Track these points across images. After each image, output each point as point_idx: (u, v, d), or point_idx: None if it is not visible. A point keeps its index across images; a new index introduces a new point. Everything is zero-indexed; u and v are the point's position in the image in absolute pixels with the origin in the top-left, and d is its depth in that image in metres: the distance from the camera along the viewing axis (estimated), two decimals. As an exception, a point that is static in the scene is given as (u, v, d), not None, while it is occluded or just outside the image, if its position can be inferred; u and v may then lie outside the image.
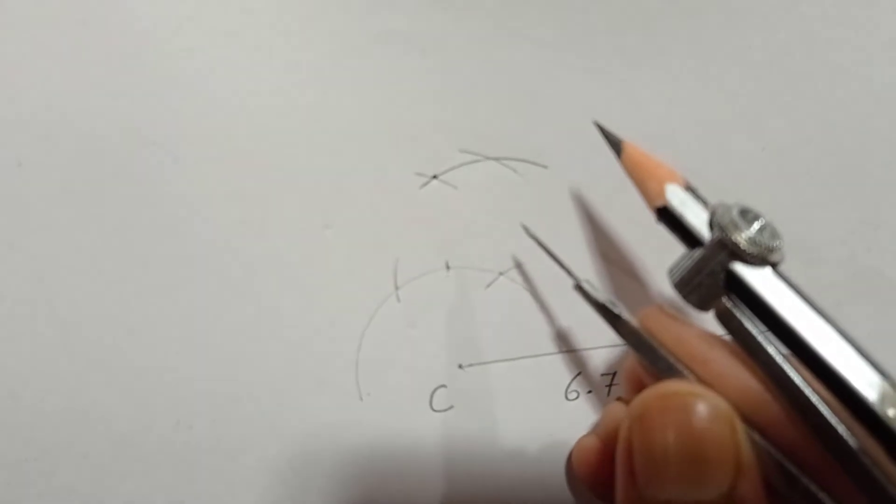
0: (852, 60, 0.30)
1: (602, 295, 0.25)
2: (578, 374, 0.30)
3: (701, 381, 0.22)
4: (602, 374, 0.31)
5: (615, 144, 0.25)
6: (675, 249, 0.24)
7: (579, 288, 0.25)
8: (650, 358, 0.23)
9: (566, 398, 0.30)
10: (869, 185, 0.31)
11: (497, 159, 0.28)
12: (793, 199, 0.31)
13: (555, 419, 0.30)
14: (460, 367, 0.29)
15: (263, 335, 0.27)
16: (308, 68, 0.27)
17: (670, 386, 0.22)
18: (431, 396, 0.29)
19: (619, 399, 0.27)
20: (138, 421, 0.26)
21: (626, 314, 0.24)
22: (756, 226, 0.21)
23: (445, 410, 0.29)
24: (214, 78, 0.26)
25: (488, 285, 0.29)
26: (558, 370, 0.30)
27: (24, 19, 0.24)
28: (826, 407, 0.20)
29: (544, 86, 0.28)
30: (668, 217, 0.23)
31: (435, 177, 0.28)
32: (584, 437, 0.28)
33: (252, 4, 0.26)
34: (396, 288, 0.28)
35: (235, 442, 0.27)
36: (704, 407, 0.20)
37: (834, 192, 0.31)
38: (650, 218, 0.26)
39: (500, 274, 0.29)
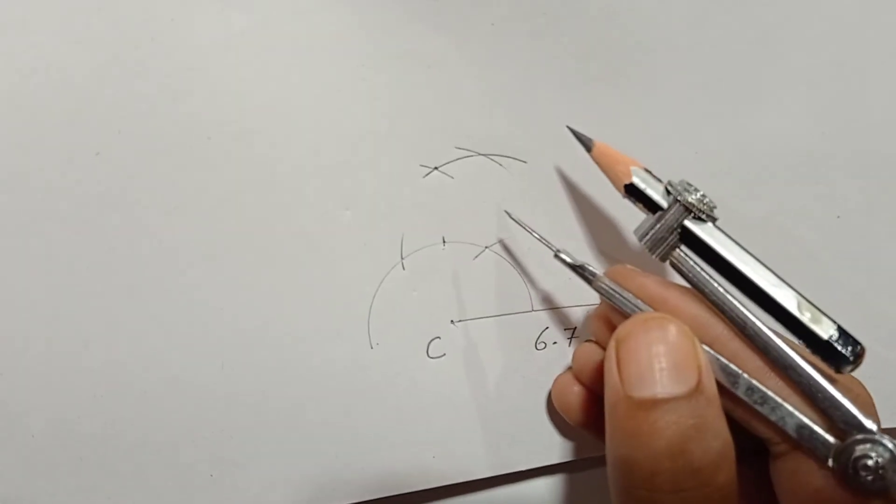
0: (764, 84, 0.31)
1: (577, 260, 0.27)
2: (546, 328, 0.32)
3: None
4: (565, 329, 0.32)
5: (586, 143, 0.27)
6: (628, 224, 0.28)
7: (557, 256, 0.27)
8: (620, 304, 0.26)
9: (535, 348, 0.32)
10: (777, 181, 0.32)
11: (486, 155, 0.30)
12: (762, 188, 0.32)
13: (527, 365, 0.32)
14: (452, 322, 0.30)
15: (293, 296, 0.28)
16: (333, 79, 0.28)
17: (648, 314, 0.25)
18: (428, 346, 0.30)
19: (588, 341, 0.30)
20: (189, 363, 0.28)
21: (598, 273, 0.27)
22: (699, 193, 0.26)
23: (439, 357, 0.30)
24: (258, 86, 0.27)
25: (476, 257, 0.30)
26: (530, 325, 0.31)
27: (103, 35, 0.26)
28: (755, 318, 0.24)
29: (526, 96, 0.30)
30: (633, 191, 0.26)
31: (435, 168, 0.30)
32: (561, 375, 0.31)
33: (291, 28, 0.27)
34: (402, 258, 0.30)
35: (266, 383, 0.28)
36: (674, 326, 0.24)
37: (797, 177, 0.32)
38: (609, 201, 0.29)
39: (486, 248, 0.31)
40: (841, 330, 0.24)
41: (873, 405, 0.25)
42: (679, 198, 0.25)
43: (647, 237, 0.26)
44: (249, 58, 0.27)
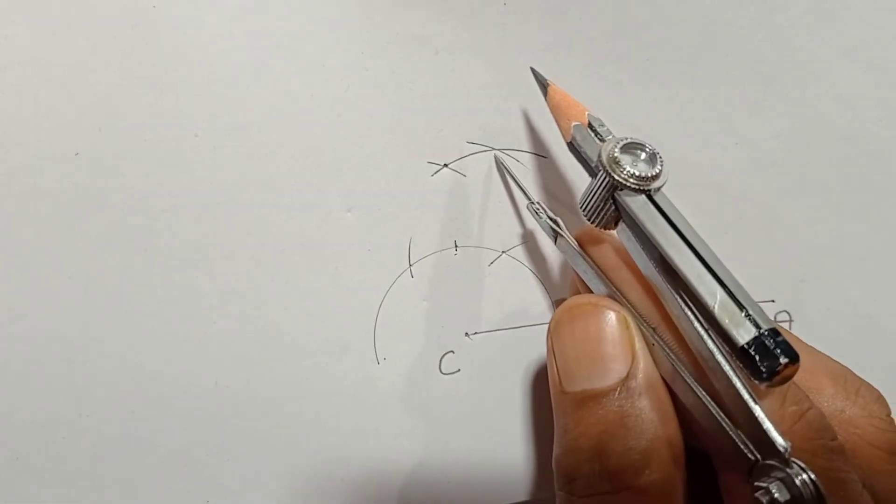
0: (814, 67, 0.31)
1: (547, 215, 0.27)
2: None
3: (615, 287, 0.24)
4: None
5: (542, 86, 0.27)
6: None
7: (530, 207, 0.27)
8: (579, 270, 0.25)
9: None
10: (827, 173, 0.32)
11: (502, 149, 0.29)
12: (762, 185, 0.32)
13: (548, 381, 0.30)
14: (467, 335, 0.30)
15: (292, 306, 0.28)
16: (333, 68, 0.27)
17: (574, 299, 0.24)
18: (441, 361, 0.30)
19: None
20: (181, 380, 0.27)
21: (565, 233, 0.26)
22: (640, 156, 0.23)
23: (453, 373, 0.30)
24: (250, 77, 0.26)
25: (492, 262, 0.30)
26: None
27: (80, 24, 0.25)
28: (686, 308, 0.22)
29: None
30: (574, 151, 0.25)
31: (445, 165, 0.29)
32: None
33: (285, 12, 0.26)
34: (410, 264, 0.29)
35: (266, 401, 0.28)
36: (602, 312, 0.23)
37: (797, 180, 0.32)
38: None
39: (503, 252, 0.30)
40: (764, 339, 0.20)
41: (822, 418, 0.22)
42: (605, 170, 0.23)
43: (582, 204, 0.24)
44: (240, 46, 0.26)
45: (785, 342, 0.20)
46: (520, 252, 0.30)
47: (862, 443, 0.22)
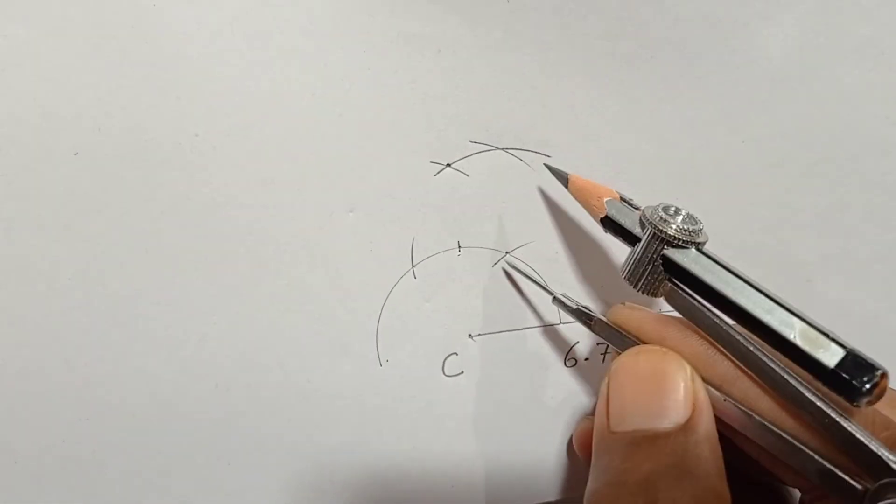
0: (823, 63, 0.31)
1: (575, 303, 0.27)
2: (576, 343, 0.31)
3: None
4: (598, 343, 0.32)
5: (562, 178, 0.28)
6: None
7: (556, 301, 0.28)
8: (620, 346, 0.25)
9: (565, 365, 0.31)
10: (835, 172, 0.32)
11: (504, 149, 0.29)
12: (769, 185, 0.32)
13: (554, 384, 0.31)
14: (470, 336, 0.30)
15: (293, 308, 0.28)
16: (334, 67, 0.27)
17: (639, 346, 0.25)
18: (444, 363, 0.30)
19: None
20: (181, 383, 0.27)
21: (597, 315, 0.27)
22: (678, 217, 0.24)
23: (456, 375, 0.30)
24: (250, 76, 0.26)
25: (495, 263, 0.30)
26: (558, 340, 0.31)
27: (79, 24, 0.25)
28: (758, 350, 0.22)
29: (547, 83, 0.29)
30: (610, 224, 0.26)
31: (448, 165, 0.29)
32: (582, 421, 0.30)
33: (284, 12, 0.26)
34: (413, 265, 0.29)
35: (267, 403, 0.28)
36: (667, 357, 0.23)
37: (804, 179, 0.32)
38: (641, 195, 0.28)
39: (507, 253, 0.30)
40: (852, 356, 0.21)
41: None
42: (654, 229, 0.24)
43: (627, 271, 0.25)
44: (241, 45, 0.26)
45: (870, 358, 0.20)
46: (523, 253, 0.30)
47: None
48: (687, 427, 0.22)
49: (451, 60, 0.28)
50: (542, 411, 0.31)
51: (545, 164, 0.28)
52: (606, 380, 0.24)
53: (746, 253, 0.32)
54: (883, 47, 0.30)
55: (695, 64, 0.30)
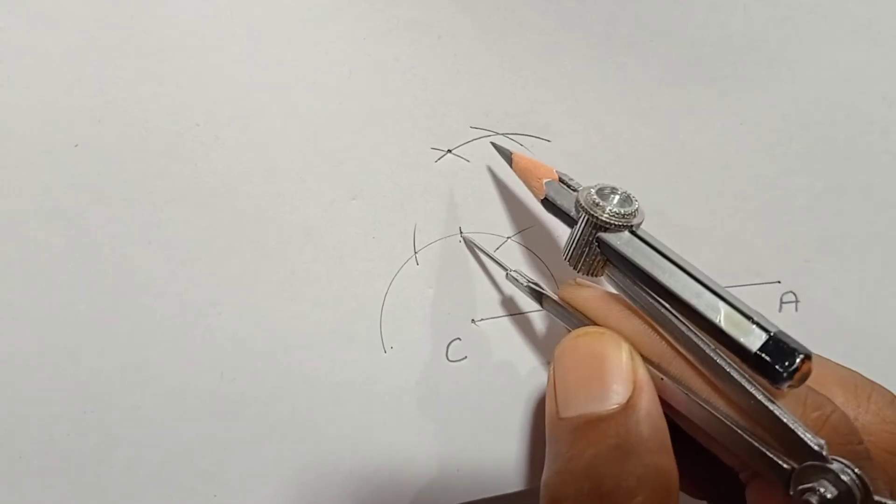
0: (821, 44, 0.31)
1: (527, 280, 0.28)
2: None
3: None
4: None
5: (506, 156, 0.28)
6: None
7: (509, 276, 0.28)
8: (569, 323, 0.26)
9: None
10: (833, 153, 0.32)
11: (505, 134, 0.29)
12: (767, 166, 0.32)
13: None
14: (473, 321, 0.30)
15: (297, 296, 0.28)
16: (335, 55, 0.27)
17: (580, 329, 0.25)
18: (447, 348, 0.30)
19: None
20: (185, 375, 0.27)
21: (547, 292, 0.27)
22: (613, 199, 0.24)
23: (460, 360, 0.30)
24: (251, 65, 0.26)
25: (497, 248, 0.30)
26: (559, 322, 0.29)
27: (77, 15, 0.24)
28: (689, 331, 0.22)
29: (547, 68, 0.29)
30: (550, 206, 0.26)
31: (449, 151, 0.29)
32: None
33: (284, 0, 0.26)
34: (415, 252, 0.29)
35: (272, 392, 0.28)
36: (606, 339, 0.23)
37: (802, 161, 0.32)
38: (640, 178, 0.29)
39: (508, 238, 0.30)
40: (775, 340, 0.21)
41: (847, 420, 0.22)
42: (587, 213, 0.24)
43: (566, 253, 0.25)
44: (241, 34, 0.26)
45: (795, 341, 0.20)
46: (525, 237, 0.30)
47: (877, 450, 0.22)
48: (628, 407, 0.22)
49: (451, 46, 0.28)
50: (544, 394, 0.30)
51: (491, 143, 0.28)
52: (552, 364, 0.24)
53: (745, 234, 0.32)
54: (880, 28, 0.31)
55: (694, 47, 0.30)
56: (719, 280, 0.23)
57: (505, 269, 0.28)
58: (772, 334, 0.21)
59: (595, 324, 0.25)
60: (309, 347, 0.28)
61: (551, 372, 0.24)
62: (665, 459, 0.22)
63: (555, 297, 0.27)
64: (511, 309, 0.30)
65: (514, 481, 0.31)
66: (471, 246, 0.29)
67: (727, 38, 0.30)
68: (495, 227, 0.30)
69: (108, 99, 0.25)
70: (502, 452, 0.31)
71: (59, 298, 0.26)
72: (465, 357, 0.30)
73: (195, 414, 0.27)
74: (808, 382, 0.21)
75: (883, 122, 0.32)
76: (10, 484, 0.26)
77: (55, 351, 0.26)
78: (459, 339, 0.30)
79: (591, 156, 0.30)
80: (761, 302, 0.32)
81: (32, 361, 0.26)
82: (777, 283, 0.33)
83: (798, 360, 0.20)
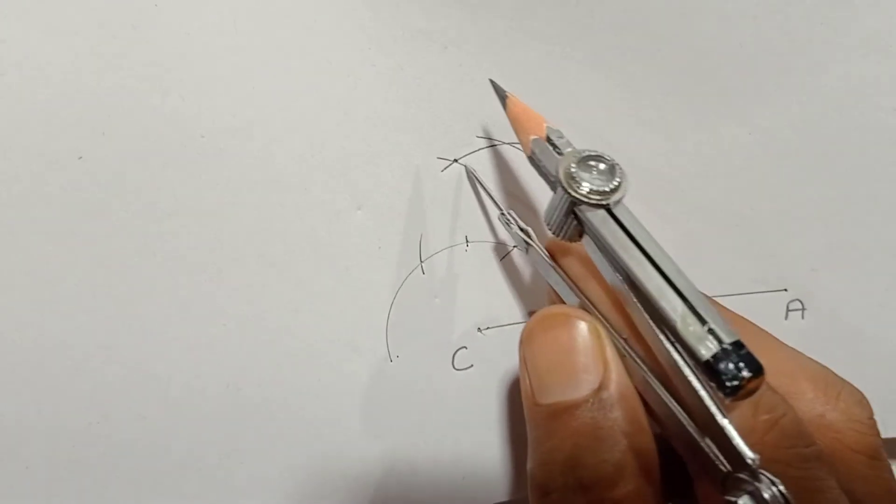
0: (830, 55, 0.31)
1: (518, 226, 0.27)
2: None
3: (586, 298, 0.24)
4: None
5: (501, 97, 0.26)
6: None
7: (502, 216, 0.27)
8: (550, 277, 0.25)
9: None
10: (841, 163, 0.32)
11: (511, 143, 0.29)
12: (775, 177, 0.32)
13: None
14: (479, 330, 0.30)
15: (303, 307, 0.28)
16: (339, 65, 0.27)
17: (547, 310, 0.24)
18: (454, 357, 0.30)
19: None
20: (191, 385, 0.27)
21: (536, 244, 0.26)
22: (593, 172, 0.23)
23: (466, 369, 0.30)
24: (255, 75, 0.26)
25: (503, 257, 0.30)
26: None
27: (79, 25, 0.24)
28: (651, 322, 0.22)
29: (555, 75, 0.29)
30: (535, 165, 0.25)
31: (456, 160, 0.29)
32: None
33: (289, 9, 0.26)
34: (421, 261, 0.29)
35: (278, 402, 0.28)
36: (574, 322, 0.23)
37: (810, 170, 0.32)
38: (647, 188, 0.29)
39: (514, 247, 0.30)
40: (726, 352, 0.20)
41: (798, 424, 0.21)
42: (562, 185, 0.23)
43: (546, 218, 0.24)
44: (245, 44, 0.26)
45: (749, 355, 0.20)
46: (530, 246, 0.29)
47: (842, 447, 0.22)
48: (600, 390, 0.22)
49: (456, 56, 0.28)
50: None
51: (490, 80, 0.27)
52: (522, 348, 0.24)
53: (752, 243, 0.32)
54: (890, 39, 0.30)
55: (702, 57, 0.30)
56: (725, 288, 0.23)
57: (499, 209, 0.28)
58: (723, 346, 0.20)
59: (574, 283, 0.24)
60: (315, 357, 0.28)
61: (521, 355, 0.24)
62: (642, 439, 0.21)
63: (541, 248, 0.26)
64: (517, 317, 0.30)
65: (519, 489, 0.31)
66: (471, 177, 0.29)
67: (736, 47, 0.30)
68: (501, 235, 0.30)
69: (111, 110, 0.25)
70: (508, 460, 0.31)
71: (63, 310, 0.26)
72: (472, 366, 0.30)
73: (201, 423, 0.27)
74: (778, 374, 0.21)
75: (891, 133, 0.32)
76: (16, 494, 0.26)
77: (60, 362, 0.26)
78: (466, 347, 0.30)
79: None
80: (768, 310, 0.32)
81: (38, 372, 0.26)
82: (784, 292, 0.32)
83: (743, 379, 0.19)
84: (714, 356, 0.20)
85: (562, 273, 0.25)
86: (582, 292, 0.24)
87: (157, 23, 0.25)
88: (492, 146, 0.29)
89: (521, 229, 0.27)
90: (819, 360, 0.25)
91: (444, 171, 0.29)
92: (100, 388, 0.26)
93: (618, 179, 0.23)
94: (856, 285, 0.33)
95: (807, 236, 0.32)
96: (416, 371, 0.29)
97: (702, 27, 0.30)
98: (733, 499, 0.20)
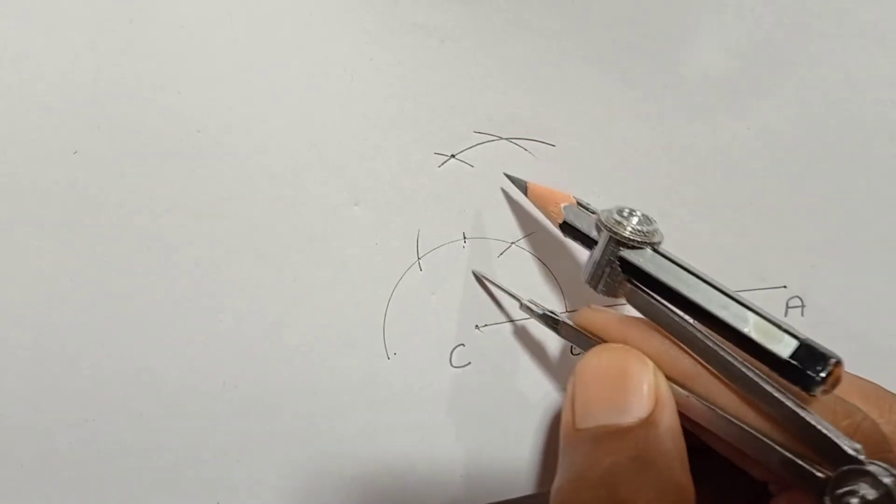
0: (827, 48, 0.31)
1: (542, 310, 0.28)
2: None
3: None
4: None
5: (521, 186, 0.28)
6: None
7: (523, 307, 0.28)
8: (585, 348, 0.26)
9: (571, 354, 0.31)
10: (840, 157, 0.32)
11: (509, 139, 0.29)
12: (773, 171, 0.32)
13: (562, 374, 0.31)
14: (477, 327, 0.30)
15: (300, 303, 0.28)
16: (336, 59, 0.27)
17: (604, 345, 0.25)
18: (451, 354, 0.30)
19: None
20: (188, 381, 0.27)
21: (562, 318, 0.27)
22: (633, 219, 0.24)
23: (464, 366, 0.30)
24: (251, 70, 0.26)
25: (501, 254, 0.30)
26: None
27: (76, 19, 0.24)
28: (715, 345, 0.23)
29: (553, 71, 0.29)
30: (569, 229, 0.26)
31: (453, 156, 0.29)
32: None
33: (286, 3, 0.26)
34: (418, 258, 0.29)
35: (275, 400, 0.28)
36: (628, 354, 0.24)
37: (808, 165, 0.32)
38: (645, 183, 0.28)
39: (512, 243, 0.30)
40: (806, 346, 0.21)
41: (877, 427, 0.22)
42: (609, 232, 0.24)
43: (587, 274, 0.26)
44: (241, 38, 0.26)
45: (824, 347, 0.21)
46: (528, 242, 0.30)
47: None
48: (649, 421, 0.22)
49: (453, 50, 0.28)
50: (549, 400, 0.31)
51: (505, 174, 0.29)
52: (572, 379, 0.25)
53: (750, 239, 0.32)
54: (886, 31, 0.31)
55: (699, 50, 0.30)
56: (725, 285, 0.23)
57: (518, 301, 0.29)
58: (801, 340, 0.21)
59: None
60: (312, 354, 0.28)
61: (570, 385, 0.24)
62: (683, 476, 0.22)
63: (571, 322, 0.27)
64: (515, 315, 0.30)
65: (517, 486, 0.31)
66: (482, 281, 0.29)
67: (733, 41, 0.30)
68: (499, 232, 0.30)
69: (107, 105, 0.25)
70: (506, 458, 0.31)
71: (59, 306, 0.25)
72: (469, 363, 0.30)
73: (197, 420, 0.27)
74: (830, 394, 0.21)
75: (889, 127, 0.32)
76: (11, 492, 0.26)
77: (56, 359, 0.26)
78: (463, 344, 0.30)
79: (595, 160, 0.30)
80: (767, 307, 0.31)
81: (33, 369, 0.26)
82: (783, 288, 0.33)
83: (830, 365, 0.20)
84: (795, 353, 0.21)
85: (598, 339, 0.26)
86: None
87: (153, 17, 0.25)
88: (489, 141, 0.29)
89: (547, 312, 0.28)
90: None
91: (442, 166, 0.29)
92: (95, 385, 0.26)
93: (655, 224, 0.24)
94: (855, 281, 0.33)
95: (806, 232, 0.33)
96: (414, 368, 0.29)
97: (699, 21, 0.30)
98: (847, 489, 0.20)
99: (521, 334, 0.31)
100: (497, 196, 0.29)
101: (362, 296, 0.28)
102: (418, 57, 0.28)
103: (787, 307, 0.33)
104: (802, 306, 0.33)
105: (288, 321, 0.28)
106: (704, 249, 0.32)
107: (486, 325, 0.30)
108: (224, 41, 0.26)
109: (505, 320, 0.30)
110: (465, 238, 0.29)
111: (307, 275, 0.28)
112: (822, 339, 0.28)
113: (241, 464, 0.28)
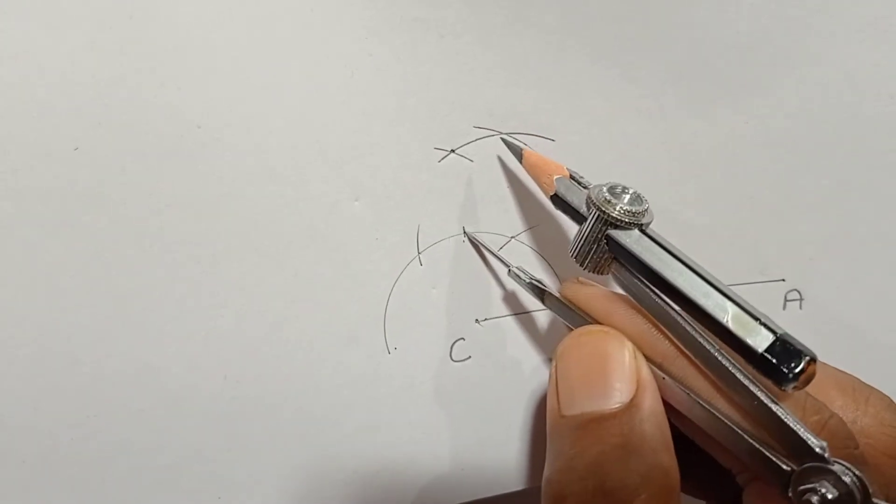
0: (827, 43, 0.31)
1: (529, 277, 0.28)
2: None
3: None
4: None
5: (516, 152, 0.28)
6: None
7: (511, 273, 0.28)
8: (571, 321, 0.26)
9: None
10: (839, 151, 0.32)
11: (509, 133, 0.29)
12: (773, 165, 0.32)
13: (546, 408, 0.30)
14: (477, 321, 0.30)
15: (300, 298, 0.27)
16: (337, 55, 0.27)
17: (583, 327, 0.25)
18: (451, 348, 0.30)
19: None
20: (189, 378, 0.27)
21: (549, 289, 0.27)
22: (624, 198, 0.24)
23: (464, 360, 0.30)
24: (252, 66, 0.26)
25: (501, 248, 0.30)
26: (560, 320, 0.29)
27: (76, 17, 0.24)
28: (695, 331, 0.23)
29: (553, 66, 0.29)
30: (559, 202, 0.26)
31: (452, 151, 0.29)
32: None
33: (285, 0, 0.26)
34: (419, 252, 0.29)
35: (276, 396, 0.28)
36: (609, 338, 0.23)
37: (808, 159, 0.32)
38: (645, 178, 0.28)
39: (512, 238, 0.30)
40: (782, 341, 0.21)
41: (844, 426, 0.22)
42: (598, 210, 0.24)
43: (574, 249, 0.25)
44: (241, 34, 0.26)
45: (800, 343, 0.21)
46: (528, 237, 0.30)
47: (875, 453, 0.22)
48: (631, 405, 0.22)
49: (453, 45, 0.28)
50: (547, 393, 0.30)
51: (501, 138, 0.28)
52: (554, 362, 0.24)
53: (749, 232, 0.32)
54: (886, 26, 0.31)
55: (699, 46, 0.30)
56: (724, 278, 0.23)
57: (507, 266, 0.28)
58: (778, 335, 0.21)
59: (597, 322, 0.25)
60: (312, 349, 0.28)
61: (553, 370, 0.24)
62: (668, 459, 0.22)
63: (557, 294, 0.27)
64: (515, 308, 0.30)
65: (518, 480, 0.31)
66: (475, 243, 0.29)
67: (733, 36, 0.30)
68: (499, 226, 0.30)
69: (107, 101, 0.25)
70: (507, 451, 0.31)
71: (59, 303, 0.25)
72: (470, 357, 0.30)
73: (199, 417, 0.27)
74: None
75: (889, 121, 0.32)
76: (13, 489, 0.26)
77: (57, 355, 0.26)
78: (463, 339, 0.30)
79: (595, 155, 0.30)
80: (766, 300, 0.32)
81: (34, 366, 0.25)
82: (781, 282, 0.33)
83: (804, 362, 0.20)
84: (770, 347, 0.21)
85: (583, 313, 0.26)
86: (601, 323, 0.25)
87: (153, 14, 0.25)
88: (489, 136, 0.29)
89: (534, 280, 0.27)
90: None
91: (442, 161, 0.29)
92: (96, 383, 0.26)
93: (645, 204, 0.24)
94: (853, 275, 0.33)
95: (805, 226, 0.33)
96: (415, 363, 0.29)
97: (699, 16, 0.30)
98: (809, 486, 0.20)
99: (522, 328, 0.31)
100: (497, 191, 0.29)
101: (363, 291, 0.28)
102: (418, 52, 0.28)
103: (786, 300, 0.33)
104: (801, 300, 0.33)
105: (289, 317, 0.28)
106: (703, 242, 0.32)
107: (486, 320, 0.30)
108: (224, 37, 0.26)
109: (505, 314, 0.30)
110: (464, 232, 0.29)
111: (308, 271, 0.28)
112: (820, 333, 0.28)
113: (242, 461, 0.28)
